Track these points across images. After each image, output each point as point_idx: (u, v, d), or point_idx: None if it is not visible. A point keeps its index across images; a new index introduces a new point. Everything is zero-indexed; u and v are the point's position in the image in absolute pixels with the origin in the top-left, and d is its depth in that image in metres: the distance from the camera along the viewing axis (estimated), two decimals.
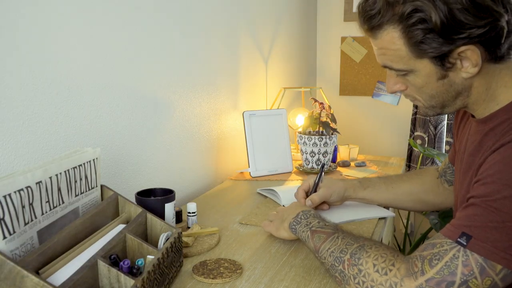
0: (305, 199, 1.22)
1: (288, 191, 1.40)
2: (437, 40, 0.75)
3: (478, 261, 0.70)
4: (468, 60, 0.77)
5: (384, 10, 0.78)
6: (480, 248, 0.70)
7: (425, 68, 0.80)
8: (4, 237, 0.64)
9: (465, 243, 0.71)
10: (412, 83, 0.85)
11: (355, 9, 2.72)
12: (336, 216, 1.19)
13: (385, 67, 0.86)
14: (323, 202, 1.24)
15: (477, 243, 0.70)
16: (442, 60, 0.78)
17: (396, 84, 0.88)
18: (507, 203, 0.69)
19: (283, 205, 1.32)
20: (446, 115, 2.60)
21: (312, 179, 1.25)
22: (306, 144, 1.71)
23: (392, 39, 0.79)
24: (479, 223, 0.71)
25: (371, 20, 0.80)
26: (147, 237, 0.94)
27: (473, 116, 0.91)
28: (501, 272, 0.69)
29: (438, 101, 0.86)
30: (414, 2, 0.74)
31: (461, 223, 0.73)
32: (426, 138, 2.65)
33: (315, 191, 1.23)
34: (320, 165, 1.27)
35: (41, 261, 0.69)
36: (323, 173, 1.26)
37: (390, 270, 0.76)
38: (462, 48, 0.76)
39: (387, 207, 1.31)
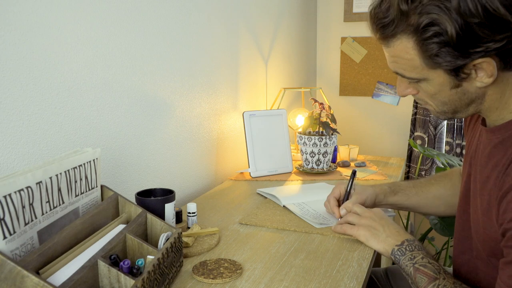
0: (338, 207, 1.18)
1: (288, 195, 1.40)
2: (452, 53, 0.73)
3: None
4: (483, 71, 0.76)
5: (398, 19, 0.75)
6: None
7: (439, 77, 0.79)
8: (4, 237, 0.64)
9: None
10: (424, 90, 0.84)
11: (355, 9, 2.73)
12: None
13: (396, 73, 0.84)
14: None
15: None
16: (457, 72, 0.76)
17: (407, 88, 0.86)
18: None
19: (284, 206, 1.32)
20: None
21: (342, 186, 1.22)
22: (306, 145, 1.71)
23: (405, 49, 0.77)
24: None
25: (384, 29, 0.78)
26: (147, 237, 0.94)
27: (483, 124, 0.90)
28: None
29: (450, 107, 0.84)
30: (429, 14, 0.71)
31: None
32: (426, 139, 2.65)
33: (347, 198, 1.19)
34: (352, 172, 1.24)
35: (41, 261, 0.69)
36: (354, 179, 1.21)
37: None
38: (478, 61, 0.74)
39: (418, 212, 1.28)
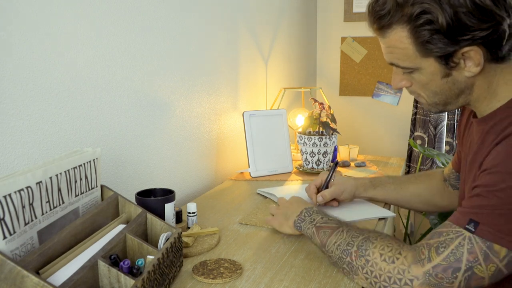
0: (316, 194, 1.25)
1: (288, 195, 1.39)
2: (442, 40, 0.79)
3: (483, 248, 0.74)
4: (471, 60, 0.81)
5: (393, 10, 0.81)
6: (488, 234, 0.74)
7: (430, 66, 0.84)
8: (4, 237, 0.64)
9: (473, 230, 0.75)
10: (417, 80, 0.88)
11: (355, 9, 2.73)
12: (337, 216, 1.19)
13: (391, 64, 0.89)
14: (334, 199, 1.27)
15: (485, 229, 0.75)
16: (447, 60, 0.82)
17: (402, 81, 0.91)
18: (511, 192, 0.74)
19: None
20: (446, 115, 2.60)
21: (324, 175, 1.28)
22: (306, 144, 1.71)
23: (400, 38, 0.83)
24: (485, 210, 0.76)
25: (380, 20, 0.84)
26: (147, 237, 0.94)
27: (474, 117, 0.93)
28: (505, 258, 0.74)
29: (441, 98, 0.89)
30: (422, 4, 0.78)
31: (469, 211, 0.78)
32: (426, 138, 2.65)
33: (327, 187, 1.26)
34: (334, 163, 1.33)
35: (41, 261, 0.69)
36: (335, 170, 1.28)
37: (397, 259, 0.81)
38: (466, 49, 0.79)
39: (396, 206, 1.32)
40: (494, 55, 0.81)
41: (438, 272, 0.76)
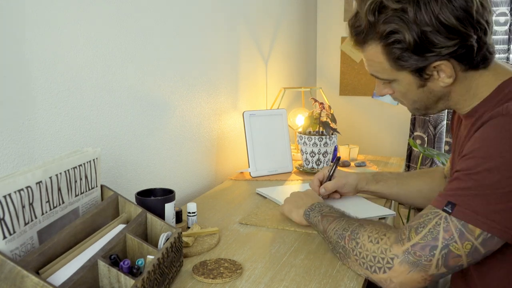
0: (319, 187, 1.30)
1: (288, 195, 1.40)
2: (412, 57, 0.85)
3: (458, 226, 0.78)
4: (443, 72, 0.87)
5: (367, 28, 0.87)
6: (463, 214, 0.78)
7: (406, 78, 0.90)
8: (4, 237, 0.64)
9: (450, 211, 0.80)
10: (396, 89, 0.95)
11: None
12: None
13: (372, 75, 0.96)
14: (336, 192, 1.32)
15: (461, 210, 0.79)
16: (420, 73, 0.88)
17: (384, 89, 0.98)
18: (486, 174, 0.78)
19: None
20: (446, 115, 2.60)
21: (326, 169, 1.33)
22: (306, 144, 1.71)
23: (375, 53, 0.89)
24: (462, 192, 0.80)
25: (357, 36, 0.90)
26: (147, 237, 0.94)
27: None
28: (480, 236, 0.77)
29: (421, 105, 0.96)
30: (391, 24, 0.83)
31: (447, 193, 0.82)
32: (426, 138, 2.65)
33: (330, 180, 1.31)
34: (336, 157, 1.41)
35: (41, 261, 0.69)
36: (337, 164, 1.34)
37: (382, 239, 0.86)
38: (437, 63, 0.85)
39: (398, 202, 1.35)
40: (468, 66, 0.86)
41: (417, 250, 0.80)
